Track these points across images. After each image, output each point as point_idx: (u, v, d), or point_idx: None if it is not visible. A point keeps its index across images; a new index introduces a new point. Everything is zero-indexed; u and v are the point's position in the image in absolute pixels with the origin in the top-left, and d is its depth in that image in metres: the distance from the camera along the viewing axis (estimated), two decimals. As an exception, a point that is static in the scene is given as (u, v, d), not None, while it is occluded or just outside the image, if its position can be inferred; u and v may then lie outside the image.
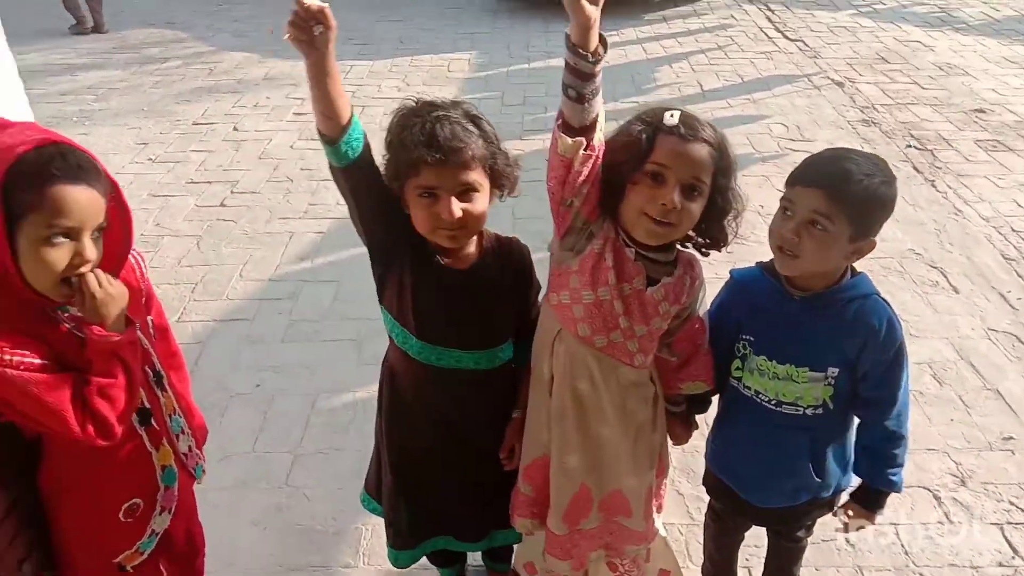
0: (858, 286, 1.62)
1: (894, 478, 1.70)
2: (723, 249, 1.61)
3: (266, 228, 4.04)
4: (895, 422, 1.66)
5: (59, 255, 1.27)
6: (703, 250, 1.63)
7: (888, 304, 1.63)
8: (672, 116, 1.46)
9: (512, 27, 7.53)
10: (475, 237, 1.66)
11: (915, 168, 4.55)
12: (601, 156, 1.47)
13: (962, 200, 4.20)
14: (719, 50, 6.72)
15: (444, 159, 1.48)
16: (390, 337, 1.71)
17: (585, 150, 1.42)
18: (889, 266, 3.63)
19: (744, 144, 4.88)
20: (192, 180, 4.58)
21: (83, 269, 1.31)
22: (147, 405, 1.50)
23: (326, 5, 1.34)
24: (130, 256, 1.47)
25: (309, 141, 5.05)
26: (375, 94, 5.91)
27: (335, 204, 4.19)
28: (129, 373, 1.36)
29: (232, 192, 4.43)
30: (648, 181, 1.46)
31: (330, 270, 3.64)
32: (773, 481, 1.78)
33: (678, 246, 1.62)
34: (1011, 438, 2.67)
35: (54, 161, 1.27)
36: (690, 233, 1.58)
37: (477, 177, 1.54)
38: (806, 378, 1.64)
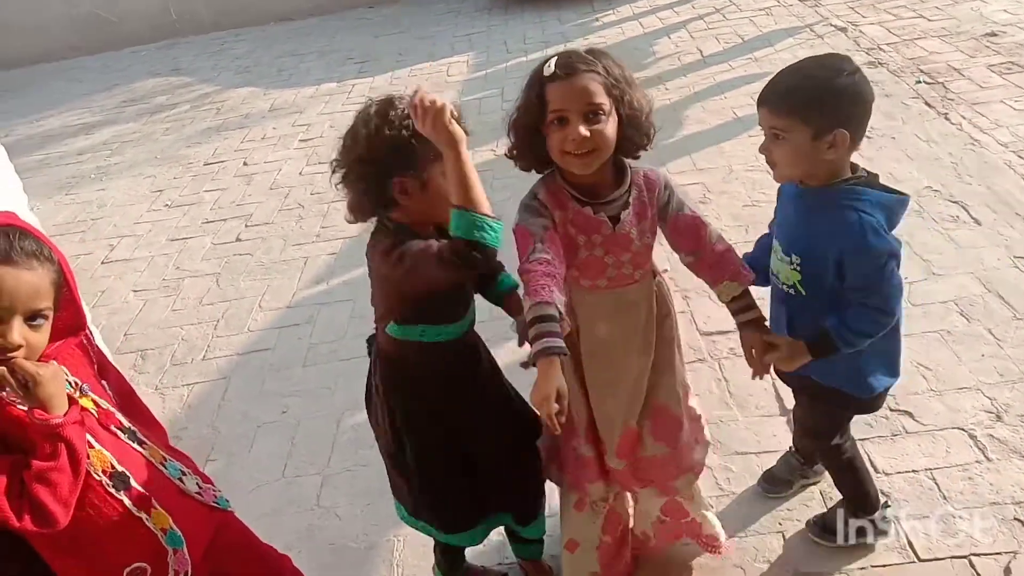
0: (852, 194, 1.68)
1: (842, 332, 1.70)
2: (648, 147, 1.71)
3: (281, 256, 4.10)
4: (877, 299, 1.68)
5: None
6: (634, 155, 1.73)
7: (870, 224, 1.64)
8: (549, 66, 1.60)
9: (507, 23, 7.52)
10: None
11: (927, 103, 4.41)
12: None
13: (978, 129, 4.05)
14: (717, 13, 6.60)
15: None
16: (404, 342, 1.73)
17: None
18: (906, 207, 3.53)
19: (749, 104, 4.79)
20: (207, 220, 4.68)
21: (12, 355, 1.28)
22: (120, 468, 1.46)
23: (445, 103, 1.45)
24: None
25: (316, 166, 5.11)
26: (378, 109, 5.95)
27: (345, 225, 4.23)
28: (73, 454, 1.32)
29: (246, 226, 4.50)
30: (556, 126, 1.60)
31: (344, 290, 3.68)
32: None
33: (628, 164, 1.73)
34: (1047, 366, 2.58)
35: None
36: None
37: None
38: (780, 256, 1.81)
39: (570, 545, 2.03)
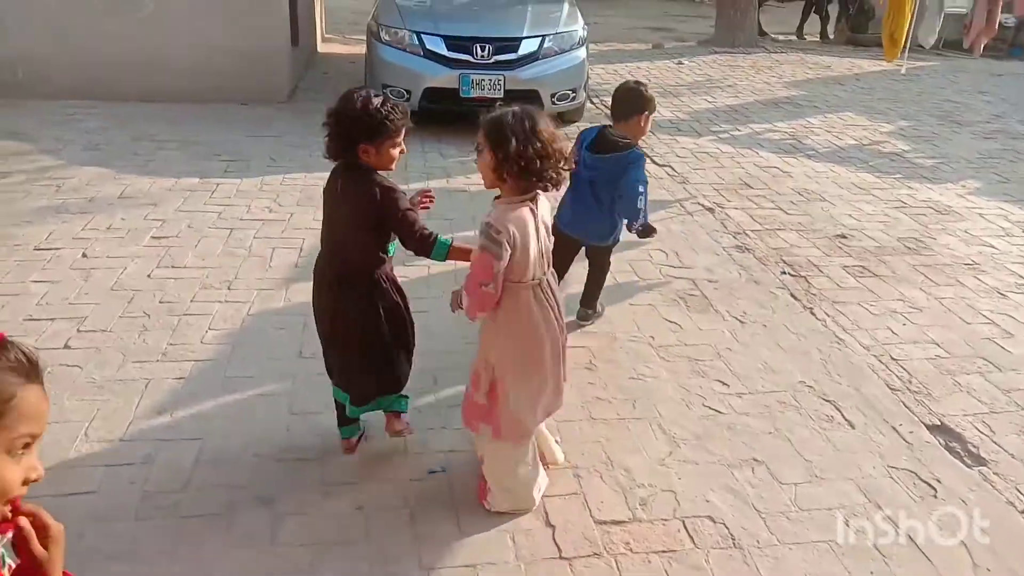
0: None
1: None
2: (554, 187, 2.53)
3: (117, 374, 3.57)
4: None
5: (18, 472, 1.11)
6: (544, 188, 2.55)
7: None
8: None
9: (387, 146, 7.43)
10: None
11: (792, 295, 4.67)
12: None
13: (841, 328, 4.30)
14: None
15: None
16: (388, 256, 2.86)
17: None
18: (785, 400, 3.60)
19: (627, 271, 4.88)
20: (31, 317, 4.04)
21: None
22: None
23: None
24: None
25: (169, 269, 4.63)
26: (243, 215, 5.58)
27: (198, 343, 3.79)
28: None
29: (78, 331, 3.92)
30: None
31: (193, 424, 3.22)
32: None
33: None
34: (931, 592, 2.59)
35: (7, 353, 1.10)
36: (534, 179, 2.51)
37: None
38: None
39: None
